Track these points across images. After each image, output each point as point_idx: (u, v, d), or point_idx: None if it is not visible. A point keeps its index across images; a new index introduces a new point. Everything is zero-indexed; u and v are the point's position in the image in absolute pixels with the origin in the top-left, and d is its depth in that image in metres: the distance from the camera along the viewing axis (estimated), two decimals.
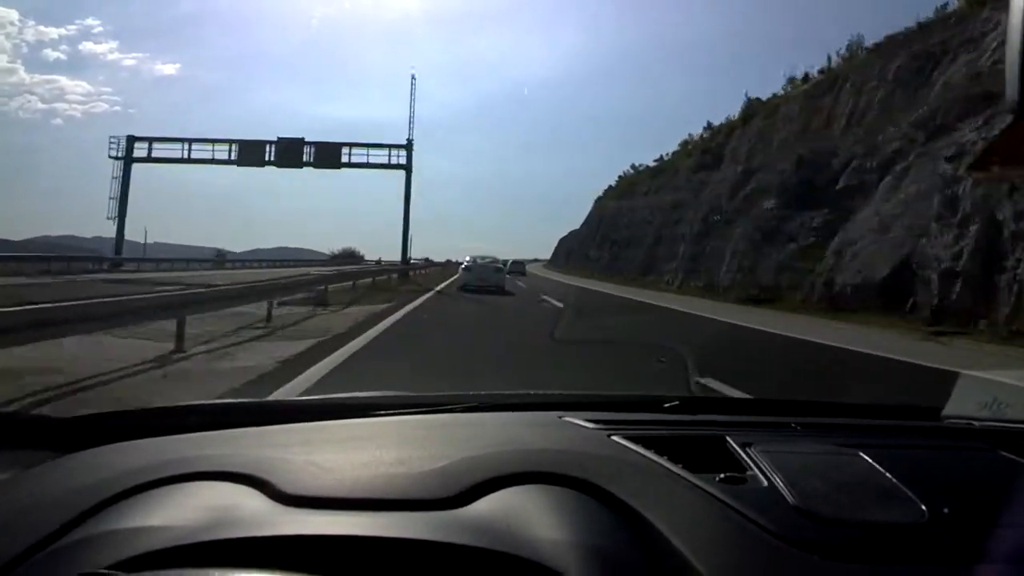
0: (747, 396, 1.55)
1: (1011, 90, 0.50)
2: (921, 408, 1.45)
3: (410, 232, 41.48)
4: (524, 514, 0.81)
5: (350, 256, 69.72)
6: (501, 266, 25.58)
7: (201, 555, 0.74)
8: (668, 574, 0.73)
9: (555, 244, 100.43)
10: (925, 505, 0.85)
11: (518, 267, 45.48)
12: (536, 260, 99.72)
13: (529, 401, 1.47)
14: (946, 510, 0.84)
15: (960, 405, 1.35)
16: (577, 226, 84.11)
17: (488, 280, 22.81)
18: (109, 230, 40.29)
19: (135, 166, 39.83)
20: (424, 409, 1.35)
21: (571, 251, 77.18)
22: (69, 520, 0.82)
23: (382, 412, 1.32)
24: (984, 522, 0.85)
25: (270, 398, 1.39)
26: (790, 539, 0.77)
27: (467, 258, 25.50)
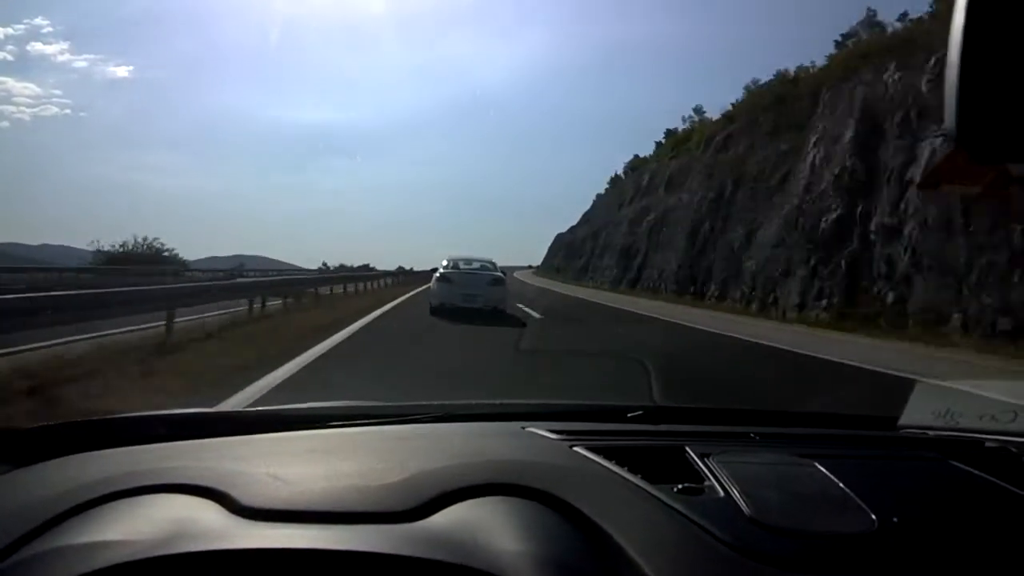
0: (709, 406, 1.57)
1: (949, 118, 0.53)
2: (879, 418, 1.48)
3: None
4: (483, 526, 0.82)
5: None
6: (500, 274, 16.03)
7: (158, 570, 0.74)
8: None
9: (544, 251, 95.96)
10: (876, 515, 0.87)
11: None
12: (528, 267, 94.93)
13: (492, 411, 1.47)
14: (895, 520, 0.86)
15: (915, 415, 1.39)
16: (565, 229, 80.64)
17: (476, 296, 14.37)
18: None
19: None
20: (386, 420, 1.35)
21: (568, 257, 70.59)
22: (22, 535, 0.80)
23: (344, 423, 1.31)
24: (931, 532, 0.88)
25: (231, 409, 1.38)
26: (744, 550, 0.78)
27: (443, 262, 15.72)
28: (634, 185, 48.42)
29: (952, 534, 0.88)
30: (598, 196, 71.97)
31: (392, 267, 52.92)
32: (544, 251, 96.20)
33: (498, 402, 1.55)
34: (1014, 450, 1.14)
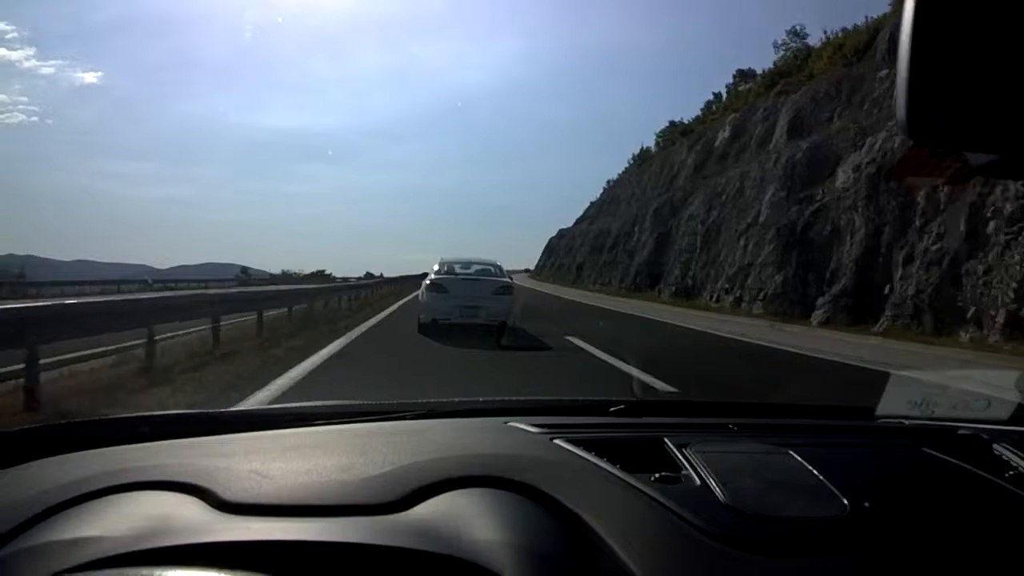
0: (689, 399, 1.58)
1: (901, 112, 0.55)
2: (856, 408, 1.50)
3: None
4: (464, 517, 0.83)
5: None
6: (506, 279, 12.85)
7: (142, 564, 0.74)
8: (602, 572, 0.75)
9: (537, 254, 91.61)
10: (848, 500, 0.89)
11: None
12: (524, 271, 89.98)
13: (476, 407, 1.48)
14: (867, 504, 0.88)
15: (892, 404, 1.41)
16: (569, 225, 76.01)
17: (478, 309, 11.63)
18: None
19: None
20: (369, 417, 1.35)
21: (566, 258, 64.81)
22: (5, 532, 0.81)
23: (327, 421, 1.32)
24: (903, 516, 0.90)
25: (212, 409, 1.38)
26: (719, 536, 0.80)
27: (435, 267, 12.97)
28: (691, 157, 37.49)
29: (923, 518, 0.90)
30: (608, 183, 67.47)
31: (387, 275, 46.73)
32: (536, 254, 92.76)
33: (481, 399, 1.57)
34: (986, 437, 1.17)
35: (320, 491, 0.91)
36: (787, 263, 20.38)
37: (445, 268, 12.89)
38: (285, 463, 1.02)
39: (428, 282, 12.45)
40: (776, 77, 32.19)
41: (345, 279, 47.73)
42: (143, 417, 1.31)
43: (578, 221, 71.51)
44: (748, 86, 38.45)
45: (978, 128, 0.55)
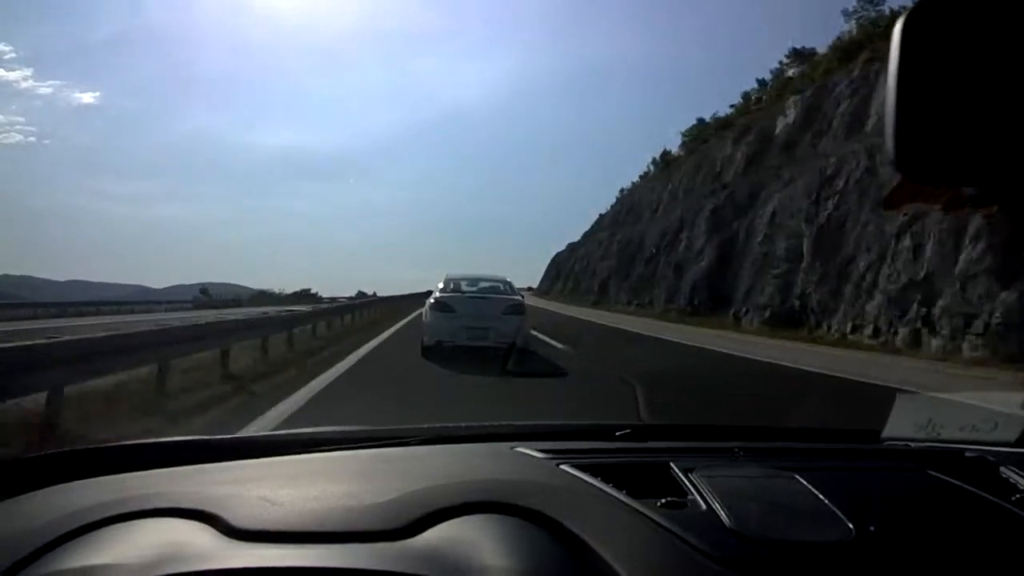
0: (695, 423, 1.57)
1: (889, 146, 0.57)
2: (863, 431, 1.50)
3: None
4: (471, 544, 0.83)
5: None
6: (517, 297, 11.99)
7: None
8: None
9: (540, 271, 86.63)
10: (853, 524, 0.89)
11: None
12: (528, 288, 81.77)
13: (482, 433, 1.49)
14: (872, 528, 0.88)
15: (898, 426, 1.41)
16: (576, 238, 70.34)
17: (487, 330, 10.65)
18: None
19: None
20: (376, 443, 1.36)
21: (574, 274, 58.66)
22: (18, 560, 0.82)
23: (334, 447, 1.33)
24: (908, 540, 0.90)
25: (220, 436, 1.39)
26: (724, 560, 0.80)
27: (439, 285, 12.04)
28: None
29: (929, 542, 0.90)
30: (622, 192, 61.01)
31: (381, 294, 41.84)
32: (538, 270, 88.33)
33: (487, 424, 1.57)
34: (992, 459, 1.17)
35: (328, 517, 0.92)
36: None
37: (451, 286, 11.92)
38: (293, 489, 1.03)
39: (432, 301, 11.47)
40: (852, 48, 27.08)
41: (333, 299, 44.07)
42: (151, 444, 1.32)
43: (589, 234, 65.32)
44: (799, 69, 34.61)
45: (965, 162, 0.57)
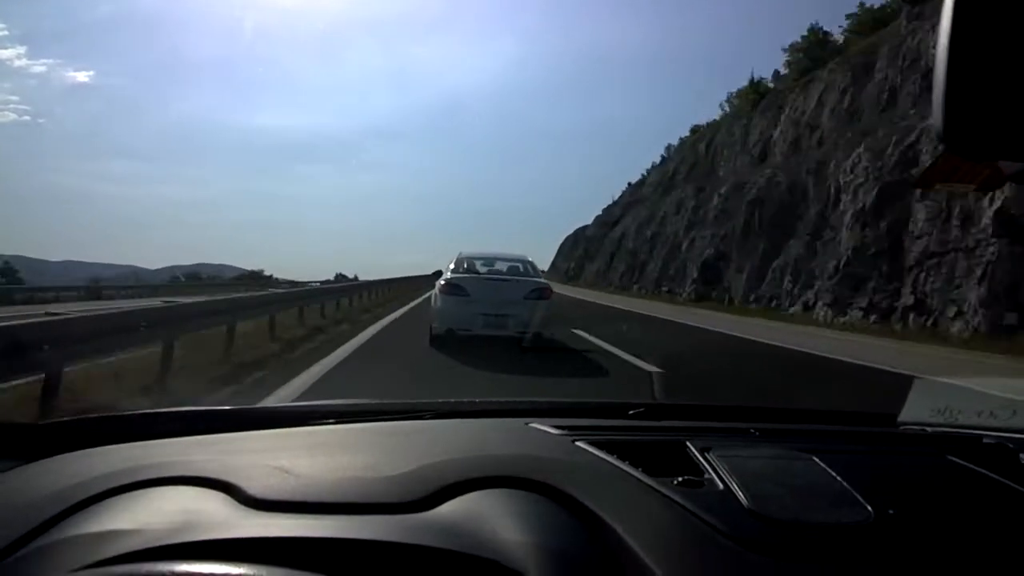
0: (710, 403, 1.56)
1: (937, 120, 0.55)
2: (879, 415, 1.49)
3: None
4: (488, 517, 0.83)
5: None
6: (542, 280, 10.35)
7: (170, 558, 0.75)
8: (624, 573, 0.76)
9: (548, 255, 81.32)
10: (872, 507, 0.88)
11: None
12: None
13: (497, 408, 1.49)
14: (891, 512, 0.87)
15: (915, 411, 1.40)
16: (588, 221, 66.75)
17: (507, 318, 9.23)
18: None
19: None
20: (393, 416, 1.36)
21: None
22: (36, 526, 0.82)
23: (351, 419, 1.34)
24: (927, 524, 0.89)
25: (238, 406, 1.40)
26: (741, 540, 0.80)
27: (450, 265, 10.42)
28: None
29: (948, 527, 0.90)
30: (667, 152, 52.66)
31: (377, 276, 31.16)
32: (548, 255, 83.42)
33: (502, 400, 1.57)
34: (1011, 446, 1.16)
35: (344, 489, 0.92)
36: None
37: (464, 265, 10.36)
38: (310, 460, 1.03)
39: (442, 283, 9.84)
40: None
41: (294, 283, 36.43)
42: (171, 413, 1.33)
43: (609, 209, 60.37)
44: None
45: (1014, 137, 0.55)
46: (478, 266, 10.66)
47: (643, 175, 59.85)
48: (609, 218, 59.79)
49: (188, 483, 0.93)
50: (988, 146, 0.56)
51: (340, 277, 44.60)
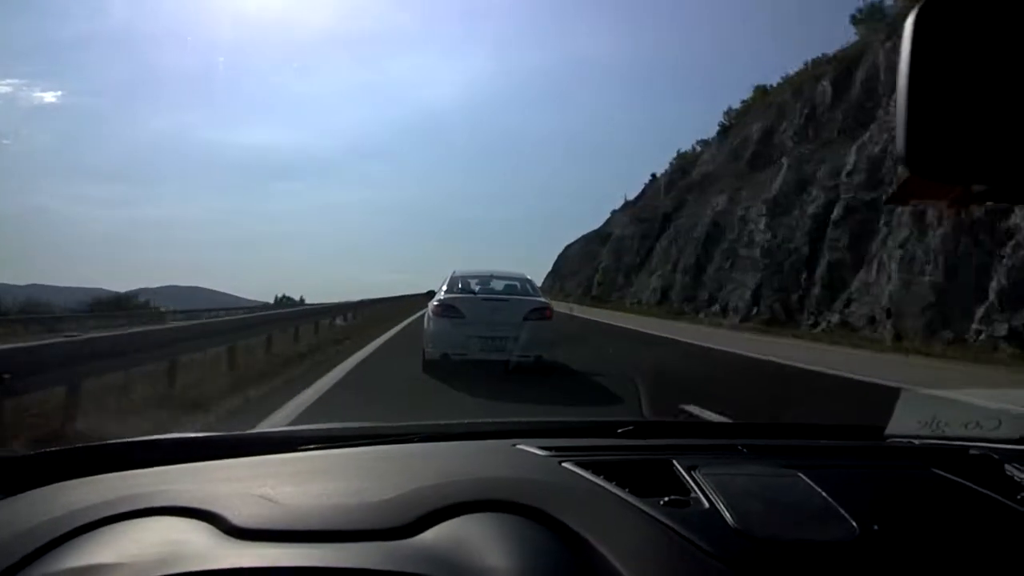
0: (697, 420, 1.57)
1: (900, 143, 0.56)
2: (866, 427, 1.50)
3: None
4: (474, 542, 0.83)
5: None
6: (541, 299, 9.99)
7: None
8: None
9: (540, 270, 73.54)
10: (857, 523, 0.88)
11: None
12: None
13: (484, 430, 1.49)
14: (876, 527, 0.87)
15: (902, 424, 1.41)
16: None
17: (505, 341, 8.78)
18: None
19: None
20: (378, 440, 1.36)
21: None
22: (17, 562, 0.81)
23: (335, 444, 1.33)
24: (913, 538, 0.89)
25: (221, 432, 1.40)
26: (727, 559, 0.80)
27: (443, 286, 9.89)
28: None
29: (933, 540, 0.90)
30: (675, 158, 44.07)
31: (353, 298, 23.46)
32: (540, 270, 75.66)
33: (489, 421, 1.57)
34: (997, 457, 1.16)
35: (329, 516, 0.92)
36: None
37: (458, 285, 9.85)
38: (295, 487, 1.03)
39: (435, 304, 9.37)
40: None
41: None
42: (151, 441, 1.32)
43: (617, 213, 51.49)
44: None
45: (975, 160, 0.56)
46: (473, 285, 10.09)
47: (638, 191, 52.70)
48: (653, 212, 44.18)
49: (172, 513, 0.92)
50: (950, 169, 0.58)
51: (285, 301, 36.34)
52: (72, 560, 0.81)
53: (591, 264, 54.44)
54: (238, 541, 0.85)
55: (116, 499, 0.97)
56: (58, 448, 1.24)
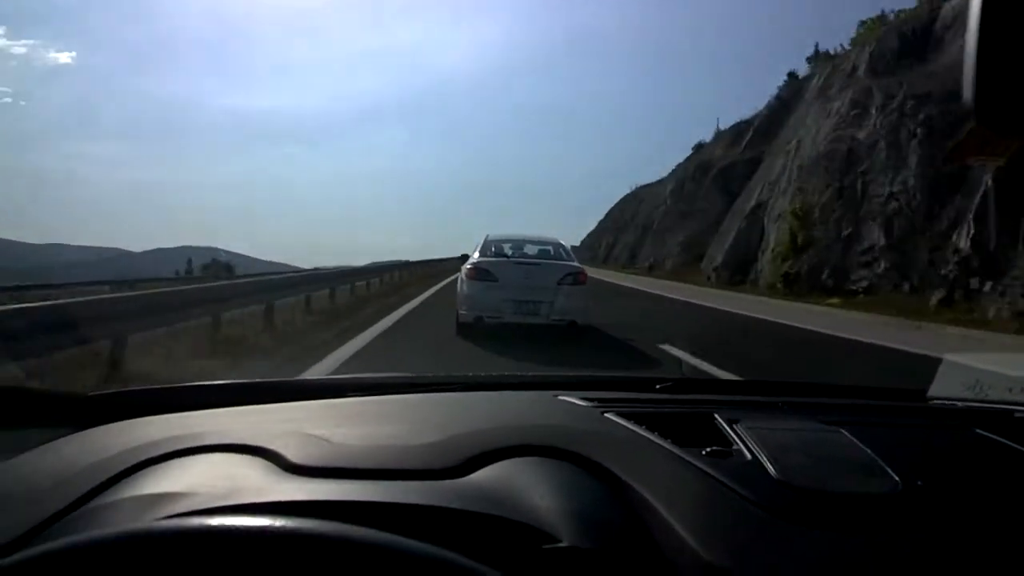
0: (737, 378, 1.59)
1: (968, 93, 0.55)
2: (908, 390, 1.49)
3: None
4: (519, 483, 0.86)
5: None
6: (575, 264, 9.75)
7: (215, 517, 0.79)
8: (652, 538, 0.78)
9: (578, 233, 69.26)
10: (900, 478, 0.89)
11: None
12: None
13: (527, 381, 1.52)
14: (920, 483, 0.88)
15: (945, 387, 1.40)
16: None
17: (540, 304, 8.76)
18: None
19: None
20: (426, 388, 1.40)
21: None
22: (89, 490, 0.86)
23: (382, 391, 1.37)
24: (956, 495, 0.90)
25: (274, 379, 1.47)
26: (770, 508, 0.81)
27: (476, 250, 9.93)
28: None
29: (977, 498, 0.90)
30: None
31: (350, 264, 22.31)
32: (578, 233, 71.46)
33: (532, 374, 1.60)
34: None
35: (380, 456, 0.95)
36: None
37: (492, 249, 9.90)
38: (348, 429, 1.07)
39: (469, 267, 9.43)
40: None
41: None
42: (211, 385, 1.38)
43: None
44: None
45: None
46: (506, 249, 10.16)
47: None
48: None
49: (233, 451, 0.96)
50: (1019, 122, 0.57)
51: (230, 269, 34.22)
52: (141, 489, 0.86)
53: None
54: (294, 477, 0.89)
55: (178, 436, 1.01)
56: (121, 389, 1.30)
